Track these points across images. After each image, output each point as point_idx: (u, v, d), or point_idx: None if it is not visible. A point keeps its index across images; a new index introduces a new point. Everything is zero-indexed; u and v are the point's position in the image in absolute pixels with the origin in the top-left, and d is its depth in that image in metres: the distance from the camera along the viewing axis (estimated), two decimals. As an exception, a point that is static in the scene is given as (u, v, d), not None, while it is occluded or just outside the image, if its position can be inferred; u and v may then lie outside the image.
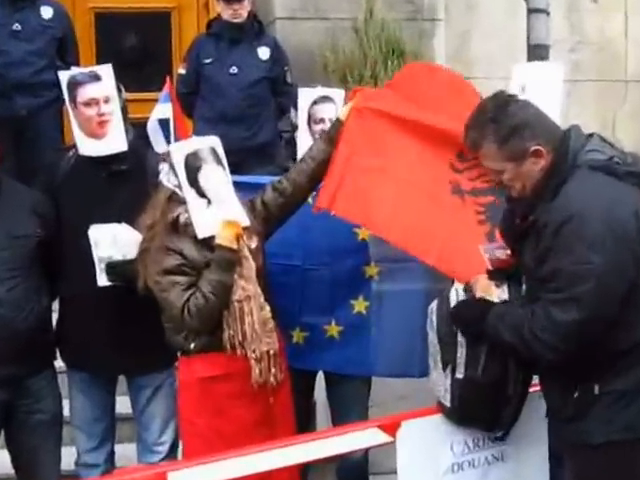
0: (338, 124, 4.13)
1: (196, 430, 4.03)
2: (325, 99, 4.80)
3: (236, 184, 4.15)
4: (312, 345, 4.52)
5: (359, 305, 4.50)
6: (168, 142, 5.27)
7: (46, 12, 6.93)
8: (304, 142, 4.72)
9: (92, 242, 4.18)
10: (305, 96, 4.85)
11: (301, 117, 4.83)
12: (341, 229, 4.27)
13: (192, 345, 3.99)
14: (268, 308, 3.98)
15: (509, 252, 3.59)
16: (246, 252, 3.95)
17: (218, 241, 3.88)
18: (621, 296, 3.19)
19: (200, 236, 3.91)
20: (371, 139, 4.08)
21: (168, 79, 6.29)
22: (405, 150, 4.10)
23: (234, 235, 3.88)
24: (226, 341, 3.93)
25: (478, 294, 3.53)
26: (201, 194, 3.93)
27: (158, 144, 5.49)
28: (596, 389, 3.27)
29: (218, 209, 3.93)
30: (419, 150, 4.10)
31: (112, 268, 4.17)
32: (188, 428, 4.09)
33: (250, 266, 3.95)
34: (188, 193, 3.92)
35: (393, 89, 4.34)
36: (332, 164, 4.05)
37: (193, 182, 3.92)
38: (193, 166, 3.92)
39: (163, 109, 5.84)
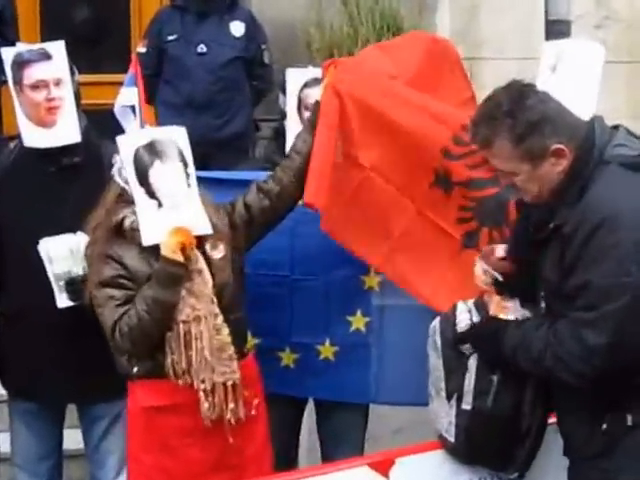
0: (317, 107, 4.12)
1: (141, 469, 4.03)
2: (318, 81, 4.74)
3: (216, 181, 4.21)
4: (303, 369, 4.51)
5: (357, 322, 4.49)
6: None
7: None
8: (294, 132, 4.60)
9: (45, 258, 4.19)
10: (294, 78, 4.87)
11: (290, 103, 4.84)
12: None
13: (134, 369, 3.97)
14: (226, 331, 3.91)
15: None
16: (200, 265, 3.90)
17: (162, 251, 3.82)
18: None
19: (145, 243, 3.86)
20: (348, 122, 4.07)
21: (134, 58, 6.32)
22: (386, 136, 4.10)
23: (178, 245, 3.79)
24: (169, 367, 3.88)
25: (492, 312, 3.53)
26: (151, 194, 3.88)
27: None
28: (629, 420, 3.28)
29: (169, 213, 3.87)
30: (403, 134, 4.08)
31: (72, 285, 4.19)
32: (133, 466, 4.09)
33: (204, 281, 3.90)
34: (136, 192, 3.88)
35: (381, 51, 4.35)
36: (312, 152, 4.03)
37: (143, 180, 3.88)
38: (143, 161, 3.88)
39: (129, 93, 5.88)
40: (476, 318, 3.59)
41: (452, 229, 3.99)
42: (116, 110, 5.87)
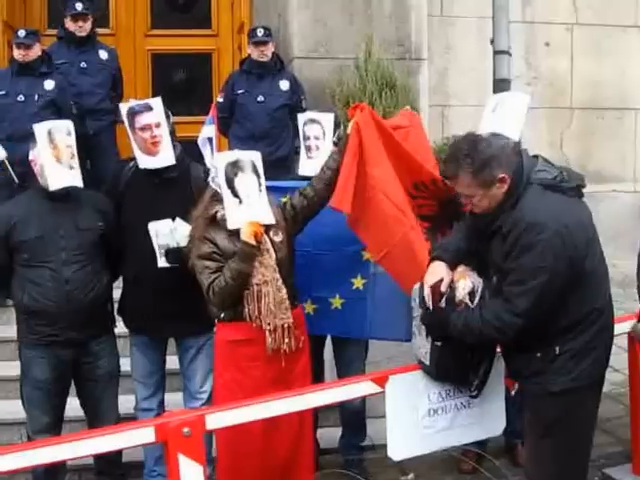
0: (347, 137, 4.10)
1: (223, 382, 4.06)
2: (312, 121, 4.76)
3: (275, 188, 4.23)
4: (320, 315, 4.52)
5: (357, 282, 4.50)
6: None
7: (103, 54, 7.06)
8: (302, 154, 4.77)
9: (152, 233, 4.24)
10: (299, 119, 4.86)
11: (300, 136, 4.84)
12: (344, 222, 4.19)
13: (222, 315, 4.03)
14: (284, 291, 3.96)
15: None
16: (268, 245, 3.96)
17: (241, 236, 3.89)
18: (561, 286, 3.24)
19: (229, 227, 3.92)
20: (367, 149, 4.05)
21: (213, 106, 6.35)
22: (387, 163, 4.10)
23: (252, 233, 3.86)
24: (246, 315, 3.94)
25: (456, 277, 3.50)
26: (235, 194, 3.93)
27: (206, 156, 5.59)
28: (557, 350, 3.33)
29: (247, 209, 3.93)
30: (395, 166, 4.11)
31: (169, 253, 4.23)
32: (218, 380, 4.12)
33: (270, 256, 3.95)
34: (225, 193, 3.93)
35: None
36: (341, 171, 4.04)
37: (230, 184, 3.93)
38: (231, 172, 3.93)
39: (209, 130, 5.91)
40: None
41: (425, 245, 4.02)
42: (199, 141, 5.89)
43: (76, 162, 4.26)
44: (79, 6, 6.91)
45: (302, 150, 4.82)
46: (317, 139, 4.70)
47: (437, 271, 3.52)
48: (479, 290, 3.44)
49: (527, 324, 3.27)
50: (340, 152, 4.11)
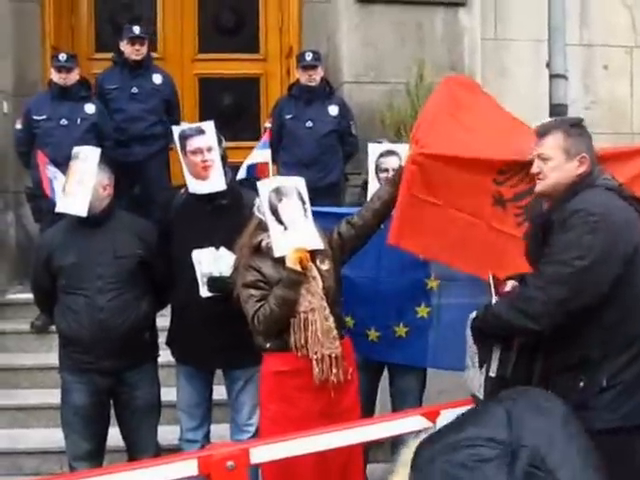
0: (400, 170, 4.09)
1: (269, 414, 4.05)
2: (390, 153, 4.79)
3: (322, 213, 4.26)
4: (384, 342, 4.54)
5: (422, 311, 4.53)
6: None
7: (157, 79, 7.14)
8: (373, 187, 4.74)
9: (195, 262, 4.25)
10: (373, 150, 4.86)
11: (370, 167, 4.83)
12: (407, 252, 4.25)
13: (267, 345, 4.01)
14: (332, 319, 3.95)
15: None
16: (315, 272, 3.95)
17: (287, 263, 3.88)
18: (602, 283, 3.17)
19: (276, 255, 3.91)
20: (425, 181, 4.03)
21: (268, 130, 6.41)
22: (453, 183, 4.04)
23: (297, 259, 3.85)
24: (292, 344, 3.92)
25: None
26: (279, 221, 3.94)
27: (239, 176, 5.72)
28: (604, 382, 3.20)
29: (292, 235, 3.93)
30: (464, 180, 4.03)
31: (212, 282, 4.25)
32: (264, 412, 4.11)
33: (317, 284, 3.94)
34: (269, 220, 3.94)
35: (436, 100, 4.26)
36: (397, 206, 4.03)
37: (274, 211, 3.94)
38: (275, 199, 3.95)
39: (261, 154, 5.97)
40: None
41: (515, 231, 3.96)
42: (243, 167, 5.98)
43: (82, 190, 4.30)
44: (136, 29, 7.06)
45: (371, 180, 4.84)
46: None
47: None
48: None
49: (563, 314, 3.19)
50: (393, 184, 4.09)
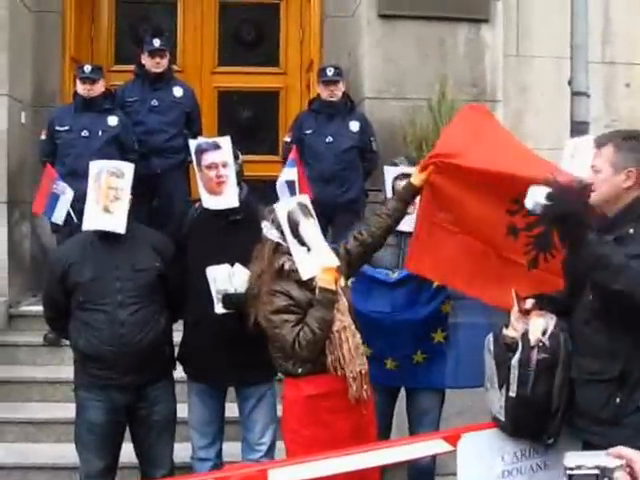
0: (410, 187, 4.09)
1: (303, 440, 3.95)
2: (405, 176, 4.73)
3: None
4: (402, 370, 4.52)
5: (438, 336, 4.50)
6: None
7: (177, 91, 7.15)
8: None
9: (210, 278, 4.21)
10: (389, 172, 4.83)
11: (387, 188, 4.80)
12: (417, 282, 4.30)
13: (299, 370, 3.94)
14: (359, 335, 3.93)
15: None
16: (340, 290, 3.93)
17: (320, 284, 3.84)
18: None
19: (304, 278, 3.86)
20: (441, 204, 4.04)
21: (295, 148, 6.38)
22: (469, 208, 4.03)
23: (333, 278, 3.84)
24: (329, 365, 3.87)
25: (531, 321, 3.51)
26: (302, 243, 3.89)
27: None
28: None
29: (316, 255, 3.88)
30: (480, 206, 4.02)
31: (226, 299, 4.21)
32: (294, 438, 4.01)
33: (344, 301, 3.92)
34: (292, 243, 3.90)
35: (454, 129, 4.23)
36: (415, 232, 4.07)
37: (295, 234, 3.89)
38: (295, 220, 3.91)
39: (290, 172, 5.94)
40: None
41: (521, 259, 3.92)
42: (278, 185, 5.94)
43: (119, 206, 4.25)
44: (157, 42, 7.07)
45: None
46: None
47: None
48: (551, 327, 3.49)
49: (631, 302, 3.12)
50: (401, 201, 4.11)
